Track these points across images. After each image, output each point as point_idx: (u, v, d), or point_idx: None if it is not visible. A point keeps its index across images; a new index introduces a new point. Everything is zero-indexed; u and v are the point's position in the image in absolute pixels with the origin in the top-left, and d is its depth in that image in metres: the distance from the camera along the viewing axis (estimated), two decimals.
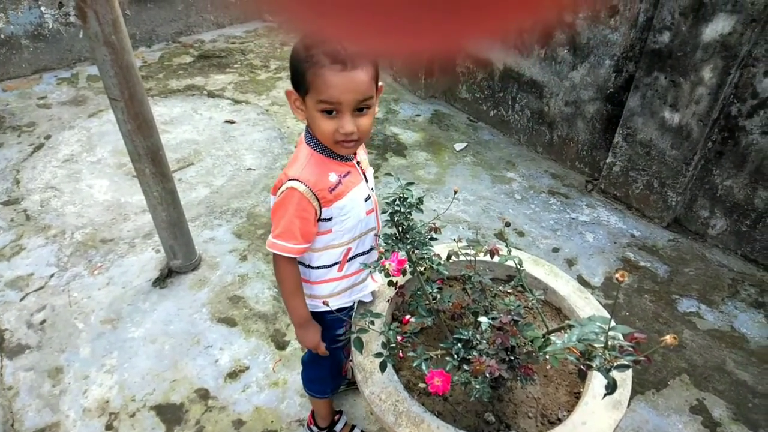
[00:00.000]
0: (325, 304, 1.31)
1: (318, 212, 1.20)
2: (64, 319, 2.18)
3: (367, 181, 1.29)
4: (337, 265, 1.34)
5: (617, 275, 0.75)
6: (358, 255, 1.36)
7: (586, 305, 1.59)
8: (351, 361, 1.87)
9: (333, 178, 1.20)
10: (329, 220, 1.24)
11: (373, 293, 1.50)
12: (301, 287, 1.34)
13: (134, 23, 4.43)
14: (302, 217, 1.18)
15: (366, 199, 1.29)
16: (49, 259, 2.46)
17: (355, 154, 1.26)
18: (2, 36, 3.82)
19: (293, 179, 1.17)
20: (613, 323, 0.94)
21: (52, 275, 2.38)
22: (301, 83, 1.09)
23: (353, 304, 1.47)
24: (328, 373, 1.56)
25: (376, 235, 1.40)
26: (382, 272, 1.17)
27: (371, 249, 1.38)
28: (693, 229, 2.71)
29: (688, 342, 2.15)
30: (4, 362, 2.01)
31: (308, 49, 1.05)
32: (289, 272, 1.29)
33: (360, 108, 1.09)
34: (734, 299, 2.35)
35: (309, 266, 1.34)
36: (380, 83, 1.15)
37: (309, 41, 1.05)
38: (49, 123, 3.46)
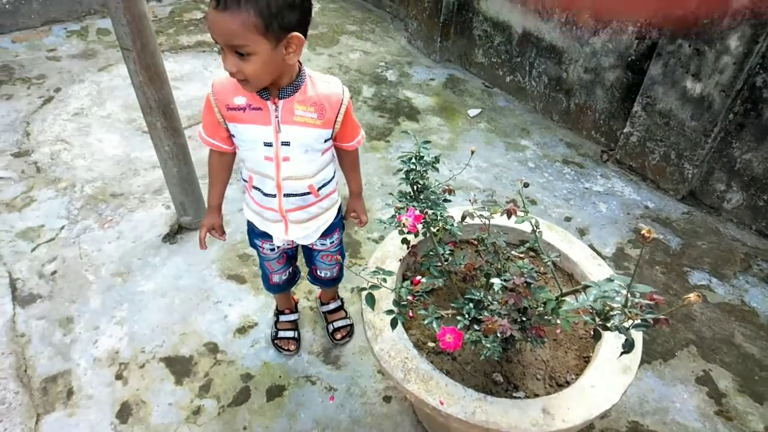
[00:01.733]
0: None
1: (222, 121, 1.30)
2: (75, 270, 2.20)
3: (279, 131, 1.27)
4: (247, 183, 1.43)
5: (644, 231, 0.73)
6: (259, 190, 1.41)
7: (599, 271, 1.57)
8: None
9: (239, 101, 1.25)
10: (234, 137, 1.34)
11: (291, 244, 1.60)
12: (218, 180, 1.50)
13: None
14: (209, 114, 1.31)
15: (267, 144, 1.29)
16: (59, 211, 2.47)
17: (274, 99, 1.24)
18: None
19: (213, 81, 1.29)
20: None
21: (63, 227, 2.39)
22: None
23: (267, 236, 1.55)
24: (261, 272, 1.79)
25: (288, 195, 1.40)
26: (398, 228, 1.15)
27: (274, 196, 1.40)
28: (708, 202, 2.67)
29: (698, 314, 2.14)
30: (17, 310, 2.03)
31: None
32: (211, 161, 1.46)
33: (240, 52, 1.08)
34: (746, 274, 2.33)
35: None
36: (293, 33, 1.10)
37: None
38: (59, 76, 3.42)
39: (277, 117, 1.26)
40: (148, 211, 2.50)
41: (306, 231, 1.52)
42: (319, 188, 1.43)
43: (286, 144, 1.29)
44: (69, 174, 2.67)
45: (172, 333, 1.98)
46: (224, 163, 1.46)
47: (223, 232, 1.61)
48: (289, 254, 1.72)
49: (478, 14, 3.48)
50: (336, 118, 1.31)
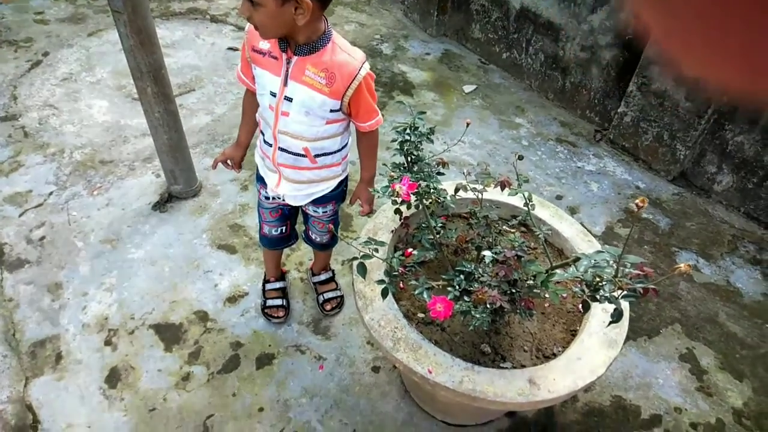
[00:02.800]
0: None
1: (249, 60, 1.37)
2: (64, 236, 2.18)
3: (286, 85, 1.31)
4: (258, 126, 1.50)
5: (637, 201, 0.73)
6: (263, 135, 1.47)
7: (588, 248, 1.58)
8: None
9: (263, 45, 1.31)
10: (254, 78, 1.39)
11: (280, 196, 1.59)
12: (246, 118, 1.58)
13: None
14: (243, 52, 1.40)
15: (272, 94, 1.34)
16: (47, 177, 2.43)
17: (289, 53, 1.27)
18: None
19: None
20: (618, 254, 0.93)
21: (51, 193, 2.36)
22: None
23: (264, 182, 1.59)
24: (258, 218, 1.80)
25: (282, 149, 1.43)
26: (391, 197, 1.15)
27: (270, 145, 1.44)
28: (698, 184, 2.69)
29: (684, 293, 2.17)
30: (4, 275, 2.01)
31: None
32: (244, 99, 1.57)
33: (250, 0, 1.13)
34: (733, 255, 2.36)
35: None
36: None
37: None
38: (47, 40, 3.34)
39: (287, 71, 1.29)
40: (138, 179, 2.47)
41: (297, 192, 1.53)
42: (317, 156, 1.43)
43: (288, 99, 1.32)
44: (57, 139, 2.63)
45: (162, 301, 1.97)
46: (253, 102, 1.49)
47: (239, 167, 1.68)
48: (285, 212, 1.72)
49: None
50: (345, 91, 1.30)
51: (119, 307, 1.94)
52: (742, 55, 0.21)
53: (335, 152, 1.47)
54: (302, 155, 1.42)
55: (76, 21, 3.58)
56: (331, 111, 1.34)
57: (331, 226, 1.67)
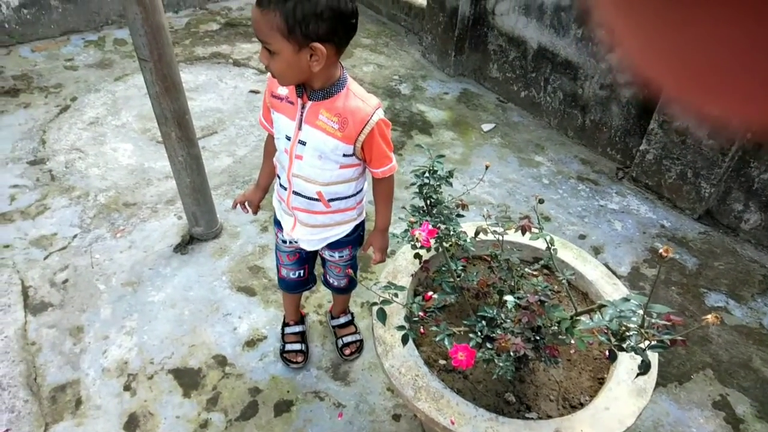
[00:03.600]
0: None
1: (269, 105, 1.40)
2: (86, 279, 2.20)
3: (300, 129, 1.33)
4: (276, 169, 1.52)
5: (661, 250, 0.71)
6: (279, 179, 1.50)
7: (614, 291, 1.54)
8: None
9: (282, 91, 1.34)
10: (273, 123, 1.43)
11: (295, 240, 1.59)
12: (267, 160, 1.60)
13: None
14: (264, 94, 1.42)
15: (287, 137, 1.36)
16: (72, 219, 2.48)
17: (305, 98, 1.29)
18: None
19: None
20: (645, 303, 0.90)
21: (75, 236, 2.40)
22: None
23: (281, 226, 1.59)
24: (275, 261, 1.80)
25: (296, 193, 1.43)
26: (411, 243, 1.14)
27: (285, 189, 1.47)
28: (725, 222, 2.63)
29: (714, 337, 2.09)
30: (28, 318, 2.03)
31: None
32: (265, 142, 1.60)
33: (268, 49, 1.16)
34: (764, 296, 2.28)
35: None
36: (314, 44, 1.13)
37: None
38: (76, 85, 3.47)
39: (301, 115, 1.31)
40: (160, 221, 2.50)
41: (311, 236, 1.53)
42: (331, 200, 1.43)
43: (302, 143, 1.34)
44: (83, 183, 2.69)
45: (181, 344, 1.97)
46: (274, 146, 1.51)
47: (256, 210, 1.70)
48: (302, 255, 1.71)
49: (493, 29, 3.49)
50: (357, 136, 1.30)
51: (139, 351, 1.94)
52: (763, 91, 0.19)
53: (349, 197, 1.47)
54: (316, 199, 1.43)
55: (103, 66, 3.71)
56: (345, 156, 1.34)
57: (350, 270, 1.66)
